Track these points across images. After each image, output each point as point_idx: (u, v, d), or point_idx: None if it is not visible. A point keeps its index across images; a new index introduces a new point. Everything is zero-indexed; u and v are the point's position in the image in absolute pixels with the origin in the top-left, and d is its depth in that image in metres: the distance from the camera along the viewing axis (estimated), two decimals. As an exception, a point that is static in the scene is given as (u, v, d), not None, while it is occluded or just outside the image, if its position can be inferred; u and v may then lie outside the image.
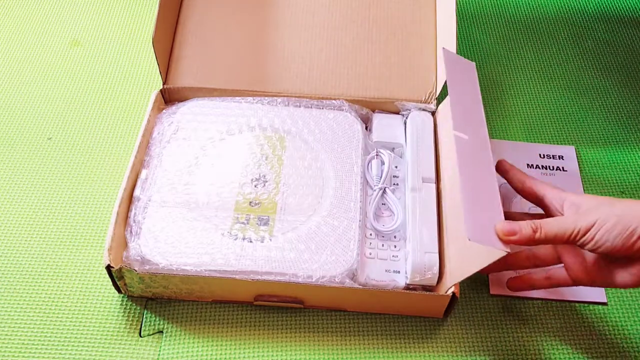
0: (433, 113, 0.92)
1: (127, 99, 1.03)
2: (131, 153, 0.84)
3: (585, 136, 1.00)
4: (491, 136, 0.91)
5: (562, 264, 0.72)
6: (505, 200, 0.91)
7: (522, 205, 0.87)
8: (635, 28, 1.16)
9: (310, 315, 0.81)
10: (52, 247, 0.85)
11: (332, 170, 0.85)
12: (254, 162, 0.86)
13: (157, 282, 0.77)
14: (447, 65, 0.75)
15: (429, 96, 0.92)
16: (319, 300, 0.80)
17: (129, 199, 0.82)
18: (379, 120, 0.92)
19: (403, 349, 0.78)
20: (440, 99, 0.91)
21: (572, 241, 0.65)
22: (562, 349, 0.79)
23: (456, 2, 0.88)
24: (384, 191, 0.84)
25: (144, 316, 0.80)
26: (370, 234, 0.82)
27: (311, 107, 0.92)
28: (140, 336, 0.79)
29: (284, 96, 0.93)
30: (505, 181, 0.79)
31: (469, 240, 0.62)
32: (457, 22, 0.86)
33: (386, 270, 0.79)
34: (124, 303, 0.81)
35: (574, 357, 0.78)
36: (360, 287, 0.77)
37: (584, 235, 0.63)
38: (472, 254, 0.70)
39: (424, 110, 0.92)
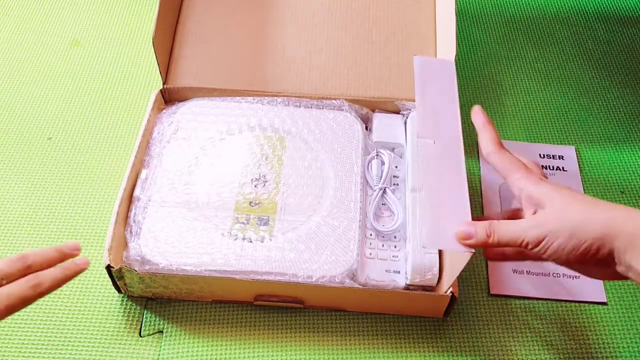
0: (433, 113, 0.92)
1: (127, 99, 1.03)
2: (131, 153, 0.84)
3: (585, 136, 1.00)
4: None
5: None
6: (504, 201, 0.91)
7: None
8: (635, 28, 1.16)
9: (310, 315, 0.81)
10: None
11: (332, 170, 0.85)
12: (254, 162, 0.86)
13: (157, 282, 0.77)
14: (416, 72, 0.75)
15: (429, 96, 0.92)
16: (319, 300, 0.80)
17: (129, 198, 0.82)
18: (379, 120, 0.92)
19: (403, 349, 0.78)
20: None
21: (526, 249, 0.60)
22: (562, 348, 0.79)
23: (456, 2, 0.88)
24: (384, 191, 0.84)
25: (144, 316, 0.80)
26: (371, 234, 0.82)
27: (311, 107, 0.92)
28: (140, 336, 0.79)
29: (284, 96, 0.93)
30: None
31: (422, 247, 0.61)
32: (457, 22, 0.86)
33: (386, 271, 0.79)
34: (124, 303, 0.81)
35: (574, 357, 0.78)
36: (360, 287, 0.77)
37: (535, 247, 0.58)
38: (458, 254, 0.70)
39: (423, 110, 0.92)
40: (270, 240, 0.79)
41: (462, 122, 0.71)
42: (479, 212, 0.90)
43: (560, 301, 0.83)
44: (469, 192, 0.66)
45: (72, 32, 1.12)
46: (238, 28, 0.98)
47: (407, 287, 0.79)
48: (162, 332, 0.79)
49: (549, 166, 0.95)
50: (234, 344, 0.78)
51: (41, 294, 0.60)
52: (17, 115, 1.00)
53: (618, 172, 0.96)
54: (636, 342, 0.80)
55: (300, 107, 0.92)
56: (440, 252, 0.79)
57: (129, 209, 0.81)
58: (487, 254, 0.71)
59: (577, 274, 0.81)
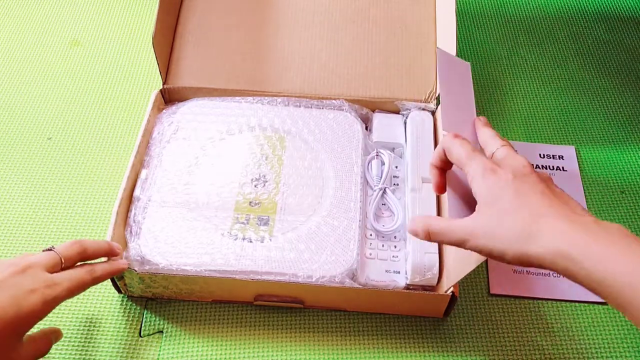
0: (433, 112, 0.92)
1: (127, 99, 1.03)
2: (131, 153, 0.84)
3: (585, 136, 1.00)
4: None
5: None
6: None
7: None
8: (635, 28, 1.16)
9: (310, 315, 0.81)
10: (52, 247, 0.85)
11: (332, 170, 0.85)
12: (254, 162, 0.86)
13: (157, 282, 0.77)
14: (440, 65, 0.75)
15: (429, 96, 0.92)
16: (319, 300, 0.80)
17: (129, 199, 0.82)
18: (379, 120, 0.92)
19: (403, 349, 0.78)
20: (440, 98, 0.91)
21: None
22: (562, 349, 0.79)
23: (456, 2, 0.88)
24: (384, 191, 0.84)
25: (144, 316, 0.80)
26: (371, 234, 0.82)
27: (311, 107, 0.92)
28: (140, 336, 0.79)
29: (284, 96, 0.93)
30: None
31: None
32: (457, 22, 0.86)
33: (386, 271, 0.79)
34: (124, 303, 0.81)
35: (574, 357, 0.78)
36: (361, 287, 0.77)
37: (462, 246, 0.59)
38: (466, 254, 0.70)
39: (424, 109, 0.92)
40: (270, 240, 0.79)
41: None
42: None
43: (560, 301, 0.83)
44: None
45: (72, 32, 1.12)
46: (238, 28, 0.98)
47: (407, 287, 0.79)
48: (162, 332, 0.79)
49: (549, 166, 0.95)
50: (234, 344, 0.78)
51: (95, 281, 0.68)
52: (17, 115, 1.00)
53: (618, 172, 0.96)
54: (636, 342, 0.80)
55: (300, 107, 0.92)
56: (440, 252, 0.79)
57: (129, 209, 0.81)
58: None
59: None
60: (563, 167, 0.95)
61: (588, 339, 0.80)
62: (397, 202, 0.83)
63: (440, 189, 0.67)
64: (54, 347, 0.77)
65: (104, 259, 0.72)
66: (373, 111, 0.94)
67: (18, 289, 0.60)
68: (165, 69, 0.94)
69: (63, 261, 0.66)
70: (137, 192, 0.82)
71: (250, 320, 0.80)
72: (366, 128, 0.92)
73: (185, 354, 0.77)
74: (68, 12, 1.15)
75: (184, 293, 0.79)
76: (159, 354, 0.77)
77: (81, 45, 1.10)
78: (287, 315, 0.80)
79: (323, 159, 0.87)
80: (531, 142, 0.99)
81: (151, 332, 0.79)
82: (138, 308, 0.81)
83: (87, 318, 0.80)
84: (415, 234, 0.62)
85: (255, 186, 0.84)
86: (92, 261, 0.71)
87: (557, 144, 0.99)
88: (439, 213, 0.82)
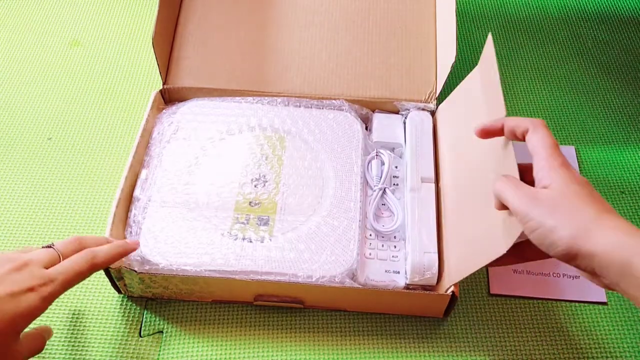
0: (432, 113, 0.92)
1: (128, 98, 1.03)
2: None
3: (585, 136, 1.00)
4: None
5: None
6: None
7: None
8: (636, 28, 1.16)
9: (310, 315, 0.81)
10: (51, 247, 0.85)
11: (332, 170, 0.85)
12: (254, 162, 0.86)
13: (157, 282, 0.76)
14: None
15: (429, 96, 0.92)
16: (319, 300, 0.80)
17: (127, 199, 0.82)
18: (379, 120, 0.92)
19: (403, 349, 0.78)
20: (440, 98, 0.91)
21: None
22: (562, 349, 0.79)
23: (456, 1, 0.88)
24: (384, 191, 0.84)
25: (144, 316, 0.80)
26: (370, 235, 0.82)
27: (311, 107, 0.92)
28: (140, 336, 0.79)
29: (284, 96, 0.93)
30: None
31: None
32: (457, 21, 0.86)
33: (386, 271, 0.79)
34: (124, 303, 0.81)
35: (574, 357, 0.78)
36: (360, 287, 0.77)
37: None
38: (472, 252, 0.70)
39: (423, 109, 0.92)
40: (270, 240, 0.79)
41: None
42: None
43: (560, 301, 0.83)
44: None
45: (72, 32, 1.12)
46: (238, 28, 0.98)
47: (407, 287, 0.79)
48: (162, 332, 0.79)
49: (549, 166, 0.95)
50: (234, 344, 0.78)
51: (95, 267, 0.67)
52: (17, 115, 1.00)
53: (618, 172, 0.96)
54: (636, 342, 0.80)
55: (300, 107, 0.92)
56: (439, 252, 0.79)
57: (128, 210, 0.81)
58: None
59: (577, 274, 0.82)
60: (563, 167, 0.95)
61: (588, 339, 0.80)
62: (397, 202, 0.83)
63: None
64: (53, 347, 0.77)
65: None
66: (373, 111, 0.94)
67: (16, 287, 0.60)
68: (165, 69, 0.94)
69: (62, 258, 0.66)
70: (137, 192, 0.82)
71: (250, 320, 0.80)
72: (366, 128, 0.92)
73: (185, 354, 0.77)
74: (68, 12, 1.15)
75: (184, 293, 0.79)
76: (159, 354, 0.77)
77: (81, 45, 1.10)
78: (287, 315, 0.80)
79: (323, 159, 0.87)
80: (531, 142, 0.99)
81: (151, 332, 0.79)
82: (138, 308, 0.81)
83: (87, 318, 0.80)
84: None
85: (255, 186, 0.84)
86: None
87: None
88: (438, 213, 0.83)
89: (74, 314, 0.80)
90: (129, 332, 0.79)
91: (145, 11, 1.16)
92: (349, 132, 0.89)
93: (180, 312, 0.80)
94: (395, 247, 0.81)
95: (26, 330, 0.63)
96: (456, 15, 0.86)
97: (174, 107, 0.91)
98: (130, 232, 0.79)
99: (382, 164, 0.87)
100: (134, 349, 0.77)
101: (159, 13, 0.88)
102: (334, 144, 0.88)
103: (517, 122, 0.63)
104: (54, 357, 0.76)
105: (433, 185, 0.84)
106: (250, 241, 0.79)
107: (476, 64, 0.81)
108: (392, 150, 0.89)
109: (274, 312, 0.81)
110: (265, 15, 0.99)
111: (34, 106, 1.01)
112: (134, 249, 0.74)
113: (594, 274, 0.55)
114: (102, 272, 0.80)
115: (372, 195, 0.84)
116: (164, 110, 0.92)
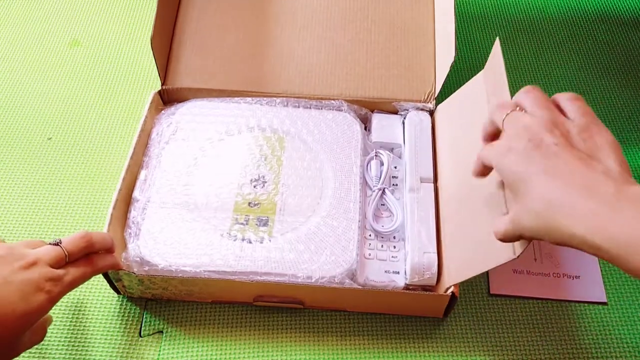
0: (431, 113, 0.92)
1: (128, 99, 1.03)
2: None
3: (585, 136, 1.00)
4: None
5: None
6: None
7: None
8: (635, 29, 1.15)
9: (310, 315, 0.81)
10: (51, 248, 0.85)
11: (331, 170, 0.85)
12: (253, 163, 0.86)
13: (156, 283, 0.77)
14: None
15: (428, 96, 0.92)
16: (319, 301, 0.80)
17: (125, 200, 0.82)
18: (378, 121, 0.92)
19: (403, 349, 0.78)
20: (439, 98, 0.91)
21: None
22: (562, 349, 0.79)
23: (455, 1, 0.87)
24: (383, 192, 0.84)
25: (144, 316, 0.80)
26: (370, 235, 0.82)
27: (310, 108, 0.92)
28: (140, 336, 0.79)
29: (283, 96, 0.93)
30: None
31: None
32: (456, 21, 0.86)
33: (385, 271, 0.79)
34: (124, 303, 0.81)
35: (574, 357, 0.78)
36: (360, 287, 0.76)
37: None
38: (476, 253, 0.70)
39: (422, 109, 0.92)
40: (270, 241, 0.79)
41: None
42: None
43: (560, 301, 0.83)
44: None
45: (72, 32, 1.12)
46: (236, 28, 0.98)
47: (407, 287, 0.79)
48: (162, 332, 0.79)
49: (549, 166, 0.95)
50: (234, 345, 0.78)
51: (96, 273, 0.70)
52: (17, 115, 1.00)
53: (618, 172, 0.95)
54: (636, 342, 0.80)
55: (299, 107, 0.92)
56: (439, 252, 0.79)
57: (127, 211, 0.81)
58: None
59: (577, 274, 0.81)
60: (563, 167, 0.95)
61: (588, 339, 0.80)
62: (396, 203, 0.83)
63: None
64: (53, 347, 0.77)
65: None
66: (372, 111, 0.93)
67: (26, 285, 0.61)
68: (164, 70, 0.93)
69: (68, 257, 0.66)
70: (136, 193, 0.82)
71: (250, 321, 0.80)
72: (365, 128, 0.92)
73: (185, 355, 0.77)
74: (68, 12, 1.15)
75: (183, 294, 0.79)
76: (158, 354, 0.77)
77: (81, 45, 1.10)
78: (287, 315, 0.80)
79: (322, 159, 0.87)
80: (531, 141, 0.98)
81: (151, 332, 0.79)
82: (138, 309, 0.81)
83: (86, 318, 0.80)
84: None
85: (254, 187, 0.84)
86: None
87: (557, 143, 0.98)
88: (437, 213, 0.83)
89: (74, 313, 0.80)
90: (129, 332, 0.79)
91: (145, 11, 1.16)
92: (348, 132, 0.89)
93: (180, 312, 0.80)
94: (394, 247, 0.81)
95: None
96: (455, 15, 0.86)
97: (172, 108, 0.91)
98: (130, 233, 0.79)
99: (381, 164, 0.87)
100: (134, 349, 0.77)
101: (157, 14, 0.87)
102: (333, 145, 0.88)
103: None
104: (53, 357, 0.76)
105: (432, 185, 0.84)
106: (250, 242, 0.79)
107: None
108: (391, 150, 0.89)
109: (274, 313, 0.81)
110: (263, 16, 0.99)
111: (34, 106, 1.01)
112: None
113: None
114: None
115: (372, 196, 0.84)
116: (162, 111, 0.92)
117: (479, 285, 0.84)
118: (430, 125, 0.90)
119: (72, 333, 0.79)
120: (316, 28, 0.98)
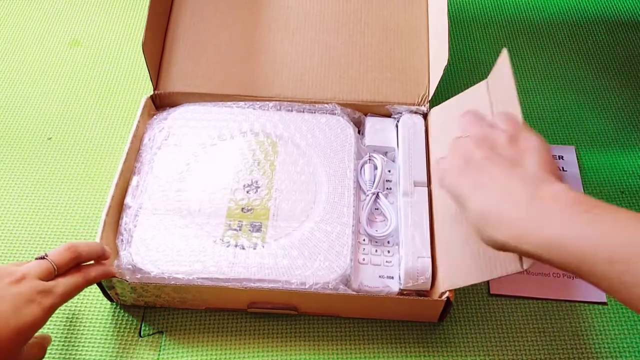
0: (425, 116, 0.91)
1: (128, 98, 1.03)
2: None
3: (585, 136, 0.99)
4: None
5: None
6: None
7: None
8: (635, 29, 1.14)
9: (304, 321, 0.81)
10: (51, 248, 0.85)
11: (324, 175, 0.85)
12: (246, 168, 0.85)
13: (149, 291, 0.77)
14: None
15: (421, 99, 0.91)
16: (313, 307, 0.80)
17: (117, 206, 0.82)
18: (372, 124, 0.91)
19: (401, 352, 0.78)
20: (432, 101, 0.91)
21: None
22: (562, 349, 0.79)
23: (448, 4, 0.86)
24: (377, 196, 0.84)
25: (142, 323, 0.80)
26: (364, 240, 0.81)
27: (303, 112, 0.92)
28: (140, 336, 0.79)
29: (276, 100, 0.92)
30: None
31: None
32: (449, 23, 0.84)
33: (380, 276, 0.79)
34: (117, 312, 0.81)
35: (574, 357, 0.78)
36: (354, 293, 0.76)
37: None
38: (478, 261, 0.69)
39: (415, 112, 0.91)
40: (263, 246, 0.79)
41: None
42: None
43: (560, 301, 0.83)
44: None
45: (72, 32, 1.12)
46: (229, 32, 0.97)
47: (401, 292, 0.78)
48: (162, 332, 0.79)
49: (549, 166, 0.94)
50: (228, 352, 0.78)
51: (88, 283, 0.69)
52: (17, 115, 1.01)
53: (618, 173, 0.95)
54: (636, 342, 0.80)
55: (292, 111, 0.92)
56: (433, 257, 0.79)
57: (119, 217, 0.81)
58: None
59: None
60: (563, 168, 0.94)
61: (588, 339, 0.80)
62: (390, 207, 0.83)
63: None
64: (53, 347, 0.78)
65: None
66: (365, 115, 0.93)
67: (18, 299, 0.61)
68: (156, 75, 0.93)
69: (56, 269, 0.66)
70: (128, 200, 0.82)
71: (244, 328, 0.80)
72: (358, 132, 0.92)
73: (179, 362, 0.77)
74: (68, 12, 1.15)
75: (176, 301, 0.79)
76: (158, 356, 0.77)
77: (81, 45, 1.10)
78: (281, 322, 0.81)
79: (316, 163, 0.86)
80: (531, 141, 0.98)
81: (151, 332, 0.79)
82: (131, 316, 0.81)
83: (83, 324, 0.80)
84: None
85: (247, 192, 0.83)
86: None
87: (557, 144, 0.98)
88: (431, 216, 0.82)
89: (74, 313, 0.81)
90: (123, 340, 0.79)
91: (145, 11, 1.14)
92: (341, 136, 0.88)
93: (175, 320, 0.81)
94: (388, 252, 0.80)
95: None
96: (448, 17, 0.85)
97: (164, 113, 0.91)
98: (122, 240, 0.79)
99: (375, 168, 0.86)
100: (129, 357, 0.78)
101: (148, 19, 0.88)
102: (327, 149, 0.87)
103: None
104: (53, 358, 0.77)
105: (426, 189, 0.84)
106: (243, 248, 0.79)
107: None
108: (385, 154, 0.88)
109: (268, 319, 0.81)
110: (256, 19, 0.98)
111: (34, 106, 1.02)
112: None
113: None
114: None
115: (365, 200, 0.84)
116: (154, 116, 0.91)
117: (479, 286, 0.84)
118: (423, 128, 0.89)
119: (71, 332, 0.79)
120: (309, 31, 0.97)
